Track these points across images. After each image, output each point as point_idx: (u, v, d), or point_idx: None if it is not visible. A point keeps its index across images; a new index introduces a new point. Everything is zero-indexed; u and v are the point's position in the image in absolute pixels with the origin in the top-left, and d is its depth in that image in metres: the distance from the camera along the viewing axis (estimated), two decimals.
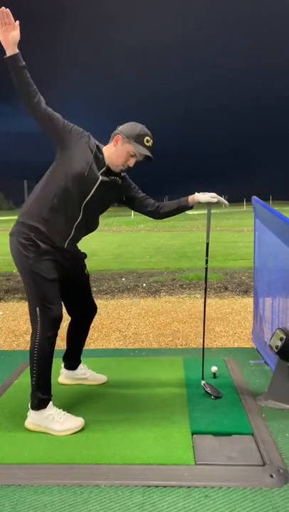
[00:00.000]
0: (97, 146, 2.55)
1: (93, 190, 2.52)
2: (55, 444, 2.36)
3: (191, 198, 2.77)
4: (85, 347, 4.28)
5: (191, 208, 2.81)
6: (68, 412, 2.61)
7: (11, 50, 2.27)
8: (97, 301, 6.15)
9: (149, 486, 2.02)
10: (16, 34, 2.27)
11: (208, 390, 2.91)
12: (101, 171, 2.54)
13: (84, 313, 3.00)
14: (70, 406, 2.75)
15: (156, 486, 2.02)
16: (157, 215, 2.85)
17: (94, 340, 4.50)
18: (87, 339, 4.55)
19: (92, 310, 3.04)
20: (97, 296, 6.66)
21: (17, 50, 2.28)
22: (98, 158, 2.53)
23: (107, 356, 3.80)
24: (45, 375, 2.54)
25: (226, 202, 2.81)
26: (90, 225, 2.68)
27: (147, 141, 2.55)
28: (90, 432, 2.47)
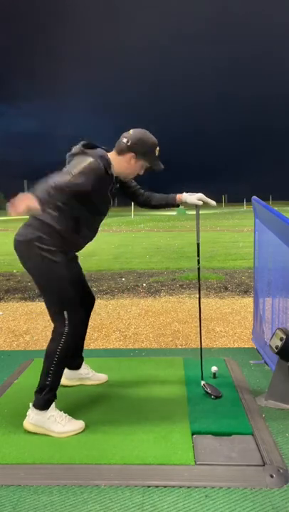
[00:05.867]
0: (112, 174, 2.55)
1: (107, 210, 2.70)
2: (56, 444, 2.36)
3: (178, 196, 2.81)
4: (85, 347, 4.29)
5: (177, 206, 2.86)
6: (69, 412, 2.61)
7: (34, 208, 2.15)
8: (98, 301, 6.21)
9: (149, 487, 2.02)
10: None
11: (208, 390, 2.90)
12: (112, 189, 2.61)
13: (85, 304, 2.95)
14: (70, 406, 2.76)
15: (157, 486, 2.02)
16: (143, 204, 2.90)
17: (94, 340, 4.50)
18: (87, 339, 4.56)
19: (92, 299, 3.05)
20: (97, 296, 6.65)
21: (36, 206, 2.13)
22: (112, 182, 2.58)
23: (107, 356, 3.80)
24: (61, 375, 2.58)
25: (213, 202, 2.82)
26: None
27: (157, 151, 2.59)
28: (90, 433, 2.47)
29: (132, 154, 2.53)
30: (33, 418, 2.51)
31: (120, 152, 2.55)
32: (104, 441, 2.37)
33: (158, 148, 2.58)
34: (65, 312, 2.51)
